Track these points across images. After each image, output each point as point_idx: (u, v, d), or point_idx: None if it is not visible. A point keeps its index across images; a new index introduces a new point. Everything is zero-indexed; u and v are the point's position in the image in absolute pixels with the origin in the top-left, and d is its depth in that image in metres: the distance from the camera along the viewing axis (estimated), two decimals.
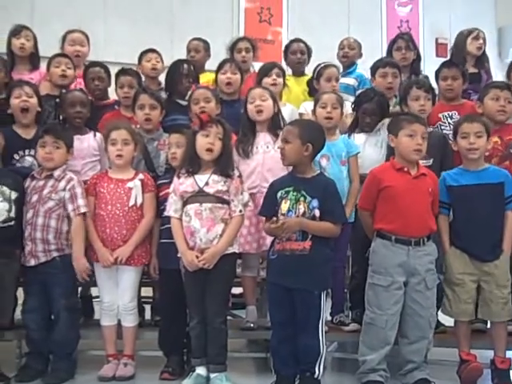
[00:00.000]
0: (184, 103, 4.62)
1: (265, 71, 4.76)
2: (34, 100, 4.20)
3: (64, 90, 4.54)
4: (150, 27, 7.23)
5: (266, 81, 4.66)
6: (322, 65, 4.89)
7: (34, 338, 3.94)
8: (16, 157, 4.10)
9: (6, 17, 6.25)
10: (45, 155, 3.93)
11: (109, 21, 6.96)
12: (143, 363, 4.10)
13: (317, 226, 3.61)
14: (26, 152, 4.15)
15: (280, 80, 4.74)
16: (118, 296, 3.98)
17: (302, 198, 3.63)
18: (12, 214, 3.84)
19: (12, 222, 3.84)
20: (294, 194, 3.65)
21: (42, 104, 4.30)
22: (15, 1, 6.91)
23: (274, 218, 3.60)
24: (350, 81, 5.33)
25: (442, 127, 4.58)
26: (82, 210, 3.92)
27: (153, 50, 5.16)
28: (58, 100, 4.41)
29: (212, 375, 3.75)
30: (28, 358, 3.98)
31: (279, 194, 3.68)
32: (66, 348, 3.93)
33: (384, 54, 5.44)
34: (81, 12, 6.60)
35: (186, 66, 4.76)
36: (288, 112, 4.68)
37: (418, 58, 5.33)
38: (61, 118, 4.36)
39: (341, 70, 5.26)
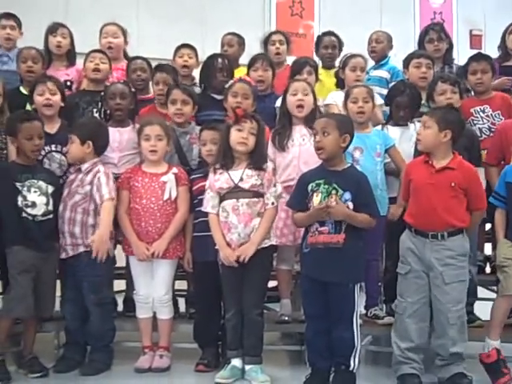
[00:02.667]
0: (219, 97, 4.62)
1: (297, 68, 4.78)
2: (58, 97, 4.22)
3: (108, 83, 4.59)
4: (182, 23, 7.26)
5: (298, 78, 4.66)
6: (348, 54, 4.89)
7: (71, 329, 4.01)
8: (42, 152, 4.12)
9: (41, 14, 6.34)
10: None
11: (141, 17, 7.01)
12: (178, 355, 4.15)
13: (358, 215, 3.61)
14: (53, 147, 4.18)
15: (312, 78, 4.75)
16: (153, 289, 4.02)
17: (333, 191, 3.63)
18: (50, 208, 3.90)
19: (51, 216, 3.91)
20: (326, 186, 3.64)
21: (66, 98, 4.32)
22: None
23: (323, 202, 3.57)
24: (382, 73, 5.29)
25: (475, 122, 4.55)
26: (106, 196, 3.91)
27: (186, 46, 5.18)
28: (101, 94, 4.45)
29: (247, 367, 3.78)
30: (66, 349, 4.06)
31: (310, 187, 3.68)
32: (102, 340, 3.99)
33: (417, 47, 5.39)
34: (114, 9, 6.64)
35: (220, 60, 4.76)
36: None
37: (451, 46, 5.29)
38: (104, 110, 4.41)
39: (371, 62, 5.25)
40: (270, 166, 3.86)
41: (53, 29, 4.95)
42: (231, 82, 4.50)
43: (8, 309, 3.83)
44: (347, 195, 3.62)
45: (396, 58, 5.36)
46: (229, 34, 5.40)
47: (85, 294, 3.94)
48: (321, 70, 5.16)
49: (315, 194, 3.65)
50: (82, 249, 3.93)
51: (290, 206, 3.86)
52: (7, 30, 5.07)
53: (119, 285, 4.50)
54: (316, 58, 5.45)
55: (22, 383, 3.78)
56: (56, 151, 4.19)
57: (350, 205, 3.62)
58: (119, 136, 4.27)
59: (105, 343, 4.00)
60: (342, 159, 3.77)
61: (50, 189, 3.92)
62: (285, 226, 4.07)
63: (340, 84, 4.90)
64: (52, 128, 4.21)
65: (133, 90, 4.45)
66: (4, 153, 4.11)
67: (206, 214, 3.90)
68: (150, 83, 4.74)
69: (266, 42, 5.28)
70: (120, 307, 4.49)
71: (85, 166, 3.99)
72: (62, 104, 4.28)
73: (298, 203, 3.75)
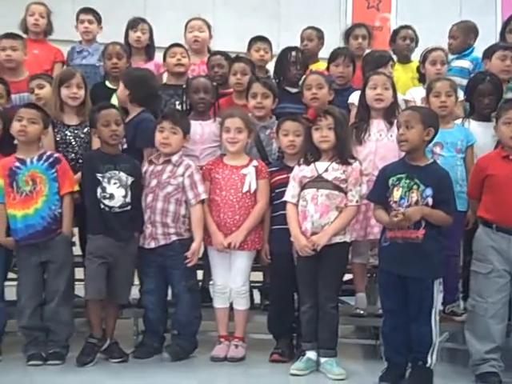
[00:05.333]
0: (293, 91, 4.66)
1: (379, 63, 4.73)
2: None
3: (191, 77, 4.66)
4: (257, 17, 7.29)
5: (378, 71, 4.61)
6: (429, 48, 4.83)
7: (151, 318, 4.10)
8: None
9: (121, 9, 6.49)
10: (162, 140, 4.05)
11: (217, 12, 7.06)
12: (253, 345, 4.19)
13: (435, 213, 3.56)
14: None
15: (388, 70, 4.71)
16: (230, 279, 4.07)
17: (414, 186, 3.59)
18: (128, 200, 3.98)
19: (128, 207, 3.98)
20: (407, 181, 3.61)
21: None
22: None
23: (394, 212, 3.56)
24: (465, 63, 5.19)
25: None
26: (203, 196, 4.03)
27: (261, 39, 5.20)
28: (184, 87, 4.52)
29: (322, 360, 3.80)
30: (145, 336, 4.16)
31: (391, 181, 3.66)
32: (190, 328, 4.08)
33: (499, 38, 5.26)
34: (190, 4, 6.74)
35: (293, 53, 4.78)
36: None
37: None
38: (186, 103, 4.46)
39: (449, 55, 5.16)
40: (357, 164, 3.87)
41: (133, 24, 5.07)
42: (304, 76, 4.53)
43: (85, 292, 3.95)
44: (428, 191, 3.58)
45: (476, 50, 5.25)
46: (308, 28, 5.38)
47: (175, 282, 4.03)
48: (397, 65, 5.11)
49: (396, 189, 3.63)
50: (174, 237, 4.02)
51: (369, 198, 3.85)
52: (85, 23, 5.21)
53: None
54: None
55: (103, 368, 3.90)
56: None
57: (430, 201, 3.58)
58: (201, 129, 4.33)
59: (192, 331, 4.08)
60: (425, 154, 3.73)
61: (130, 180, 4.00)
62: (356, 221, 4.05)
63: (421, 79, 4.83)
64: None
65: (214, 83, 4.50)
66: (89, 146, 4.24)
67: (284, 208, 3.93)
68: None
69: (348, 34, 5.26)
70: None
71: (175, 158, 4.06)
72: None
73: (378, 196, 3.73)
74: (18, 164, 3.92)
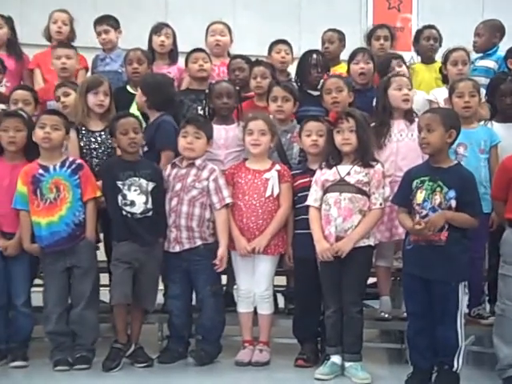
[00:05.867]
0: (315, 93, 4.66)
1: (384, 65, 4.72)
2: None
3: (212, 81, 4.68)
4: (278, 19, 7.28)
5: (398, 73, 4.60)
6: (450, 48, 4.79)
7: (176, 323, 4.11)
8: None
9: (143, 14, 6.53)
10: (186, 145, 4.06)
11: (238, 15, 7.07)
12: (278, 350, 4.19)
13: (458, 216, 3.54)
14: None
15: (403, 69, 4.68)
16: (254, 284, 4.07)
17: (438, 189, 3.57)
18: (149, 205, 4.00)
19: (149, 213, 4.00)
20: (430, 183, 3.59)
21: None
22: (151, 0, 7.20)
23: (417, 219, 3.54)
24: (490, 64, 5.13)
25: None
26: (227, 200, 4.04)
27: (283, 42, 5.20)
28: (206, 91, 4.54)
29: (347, 364, 3.79)
30: (169, 341, 4.17)
31: (414, 184, 3.64)
32: (214, 332, 4.08)
33: None
34: (211, 8, 6.76)
35: (314, 56, 4.78)
36: (420, 100, 4.61)
37: None
38: (209, 108, 4.47)
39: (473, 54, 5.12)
40: (380, 167, 3.86)
41: (157, 29, 5.09)
42: (322, 81, 4.53)
43: (110, 297, 3.98)
44: (451, 193, 3.55)
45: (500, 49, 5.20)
46: (329, 30, 5.36)
47: (199, 287, 4.04)
48: (420, 65, 5.10)
49: (419, 191, 3.61)
50: (199, 242, 4.04)
51: (393, 201, 3.83)
52: (102, 35, 5.23)
53: None
54: (413, 53, 5.38)
55: (128, 372, 3.92)
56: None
57: (453, 203, 3.55)
58: (225, 133, 4.34)
59: (216, 335, 4.09)
60: (448, 156, 3.70)
61: (151, 186, 4.01)
62: (381, 223, 4.03)
63: (444, 79, 4.80)
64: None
65: (237, 88, 4.51)
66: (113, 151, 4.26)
67: (306, 212, 3.93)
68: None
69: (370, 36, 5.24)
70: None
71: (198, 162, 4.08)
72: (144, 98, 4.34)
73: (402, 199, 3.72)
74: (41, 171, 3.95)
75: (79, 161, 4.05)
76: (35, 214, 3.94)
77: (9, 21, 5.17)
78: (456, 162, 3.73)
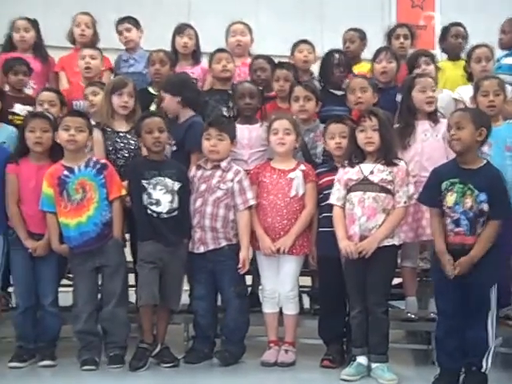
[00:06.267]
0: (338, 93, 4.66)
1: (412, 61, 4.71)
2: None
3: (235, 82, 4.70)
4: (300, 19, 7.27)
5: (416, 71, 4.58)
6: (473, 45, 4.78)
7: (202, 323, 4.12)
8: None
9: (165, 14, 6.55)
10: (210, 148, 4.08)
11: (260, 15, 7.07)
12: (304, 351, 4.18)
13: (482, 247, 3.52)
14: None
15: (431, 67, 4.65)
16: (279, 284, 4.07)
17: (468, 192, 3.55)
18: (175, 205, 4.01)
19: (175, 212, 4.01)
20: (461, 186, 3.57)
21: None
22: (173, 1, 7.18)
23: (450, 267, 3.53)
24: None
25: None
26: (251, 202, 4.05)
27: (305, 41, 5.21)
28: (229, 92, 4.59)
29: (373, 365, 3.77)
30: (195, 342, 4.18)
31: (444, 186, 3.61)
32: (239, 333, 4.09)
33: None
34: (234, 9, 6.73)
35: (337, 55, 4.79)
36: (446, 99, 4.58)
37: None
38: (233, 109, 4.50)
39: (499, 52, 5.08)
40: (403, 164, 3.84)
41: (180, 30, 5.10)
42: (347, 80, 4.52)
43: (138, 298, 4.00)
44: (482, 196, 3.54)
45: None
46: (350, 29, 5.36)
47: (224, 287, 4.06)
48: (447, 63, 5.06)
49: (449, 194, 3.59)
50: (224, 242, 4.05)
51: (420, 200, 3.81)
52: (124, 33, 5.27)
53: None
54: (438, 51, 5.34)
55: (154, 372, 3.94)
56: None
57: (485, 206, 3.54)
58: (248, 133, 4.35)
59: (240, 336, 4.10)
60: (477, 155, 3.67)
61: (177, 185, 4.03)
62: (405, 223, 4.01)
63: (469, 77, 4.77)
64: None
65: (260, 87, 4.51)
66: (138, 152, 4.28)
67: (330, 209, 3.92)
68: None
69: (390, 35, 5.22)
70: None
71: (224, 164, 4.09)
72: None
73: (430, 199, 3.70)
74: (66, 172, 3.97)
75: (103, 160, 4.08)
76: (63, 215, 3.96)
77: (35, 24, 5.22)
78: (485, 161, 3.68)
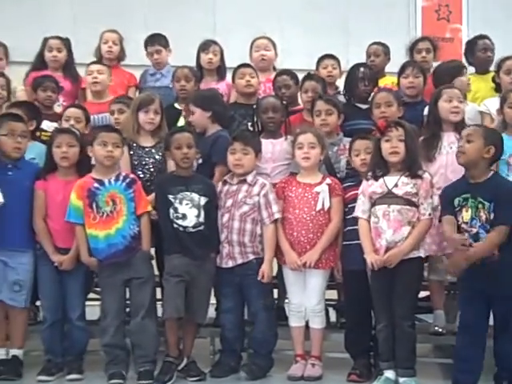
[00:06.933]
0: (364, 107, 4.66)
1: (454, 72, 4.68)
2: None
3: (259, 96, 4.74)
4: (325, 33, 7.26)
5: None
6: (503, 57, 4.76)
7: (229, 337, 4.12)
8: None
9: (192, 30, 6.61)
10: (235, 162, 4.11)
11: (285, 30, 7.10)
12: (330, 364, 4.16)
13: (485, 248, 3.53)
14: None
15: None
16: (305, 298, 4.06)
17: (480, 205, 3.58)
18: (201, 219, 4.03)
19: (202, 227, 4.03)
20: (473, 201, 3.60)
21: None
22: (199, 16, 7.27)
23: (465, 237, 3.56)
24: None
25: None
26: (276, 216, 4.05)
27: (329, 56, 5.22)
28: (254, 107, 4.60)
29: (401, 379, 3.74)
30: (222, 355, 4.18)
31: (457, 202, 3.64)
32: (267, 346, 4.09)
33: None
34: (258, 24, 6.80)
35: (362, 69, 4.80)
36: (472, 112, 4.56)
37: None
38: (258, 123, 4.50)
39: None
40: (427, 176, 3.83)
41: (205, 46, 5.16)
42: (372, 94, 4.52)
43: (163, 311, 4.01)
44: (492, 206, 3.56)
45: None
46: (374, 43, 5.38)
47: (252, 300, 4.06)
48: (474, 76, 5.04)
49: (464, 210, 3.61)
50: (251, 256, 4.07)
51: (441, 218, 3.79)
52: (154, 55, 5.33)
53: None
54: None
55: None
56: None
57: None
58: (272, 147, 4.37)
59: (268, 349, 4.10)
60: (485, 170, 3.68)
61: (203, 200, 4.05)
62: (429, 236, 3.98)
63: (498, 88, 4.74)
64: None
65: (284, 102, 4.53)
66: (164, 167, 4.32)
67: (355, 223, 3.91)
68: (299, 94, 4.80)
69: (412, 49, 5.23)
70: None
71: (250, 178, 4.12)
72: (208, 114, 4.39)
73: (448, 213, 3.70)
74: (96, 185, 4.01)
75: (132, 175, 4.12)
76: (91, 226, 3.99)
77: (67, 43, 5.30)
78: (492, 172, 3.70)
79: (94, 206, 4.00)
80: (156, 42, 5.36)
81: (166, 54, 5.38)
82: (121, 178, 4.05)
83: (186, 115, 4.54)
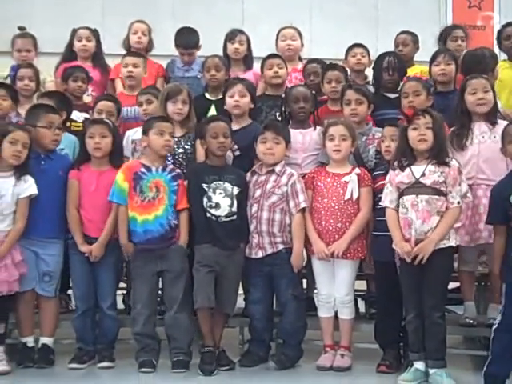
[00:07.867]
0: (392, 96, 4.62)
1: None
2: (247, 99, 4.38)
3: (289, 86, 4.71)
4: (354, 23, 7.22)
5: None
6: None
7: (258, 327, 4.13)
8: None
9: (220, 21, 6.58)
10: (266, 151, 4.10)
11: (314, 20, 7.09)
12: (359, 355, 4.16)
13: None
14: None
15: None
16: (334, 289, 4.05)
17: None
18: (234, 209, 4.04)
19: (234, 217, 4.04)
20: None
21: (256, 102, 4.49)
22: (227, 6, 7.27)
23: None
24: None
25: None
26: (303, 205, 4.05)
27: (359, 45, 5.18)
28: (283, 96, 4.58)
29: (431, 371, 3.71)
30: (251, 345, 4.20)
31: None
32: (296, 336, 4.09)
33: None
34: (287, 13, 6.79)
35: (388, 58, 4.76)
36: None
37: None
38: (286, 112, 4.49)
39: None
40: (455, 163, 3.78)
41: (231, 36, 5.15)
42: (401, 83, 4.47)
43: (194, 301, 4.01)
44: None
45: None
46: (402, 32, 5.33)
47: (281, 290, 4.07)
48: (507, 63, 4.98)
49: None
50: (281, 246, 4.07)
51: (490, 223, 3.74)
52: (185, 57, 5.23)
53: None
54: (497, 51, 5.25)
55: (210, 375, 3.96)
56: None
57: None
58: (302, 137, 4.36)
59: (298, 339, 4.10)
60: None
61: (236, 190, 4.06)
62: (462, 227, 3.94)
63: None
64: (238, 126, 4.38)
65: (313, 92, 4.52)
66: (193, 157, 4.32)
67: (384, 214, 3.87)
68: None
69: (445, 36, 5.17)
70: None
71: (278, 168, 4.12)
72: (252, 105, 4.45)
73: (499, 218, 3.64)
74: (143, 170, 4.05)
75: (179, 170, 4.14)
76: (132, 209, 4.02)
77: (96, 33, 5.33)
78: None
79: (138, 189, 4.02)
80: (190, 46, 5.19)
81: (196, 54, 5.31)
82: (168, 169, 4.09)
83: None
